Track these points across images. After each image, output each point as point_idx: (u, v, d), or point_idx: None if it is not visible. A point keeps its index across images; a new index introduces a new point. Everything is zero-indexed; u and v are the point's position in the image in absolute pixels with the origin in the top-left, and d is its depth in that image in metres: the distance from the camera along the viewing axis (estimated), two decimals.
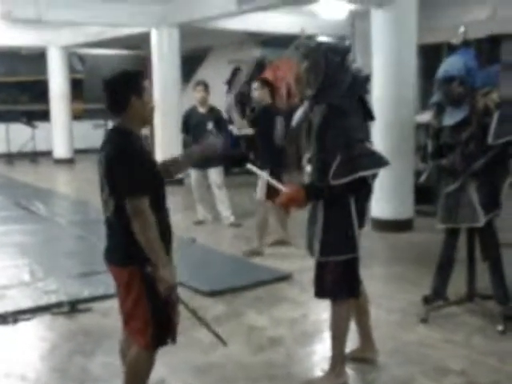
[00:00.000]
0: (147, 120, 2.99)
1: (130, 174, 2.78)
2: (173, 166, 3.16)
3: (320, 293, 3.52)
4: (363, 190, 3.36)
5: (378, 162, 3.32)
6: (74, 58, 16.46)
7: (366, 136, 3.36)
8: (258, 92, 6.59)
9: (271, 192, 5.42)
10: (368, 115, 3.44)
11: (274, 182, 3.60)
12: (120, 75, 2.94)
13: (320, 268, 3.45)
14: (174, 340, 3.06)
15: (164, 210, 2.99)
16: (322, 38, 3.48)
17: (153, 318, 2.92)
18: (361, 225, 3.44)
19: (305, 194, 3.32)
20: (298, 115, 3.61)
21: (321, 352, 4.05)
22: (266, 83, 6.75)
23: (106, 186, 2.87)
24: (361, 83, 3.38)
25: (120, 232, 2.88)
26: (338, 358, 3.54)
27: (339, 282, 3.42)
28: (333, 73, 3.27)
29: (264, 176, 3.56)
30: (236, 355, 3.98)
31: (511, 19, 9.62)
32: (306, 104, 3.55)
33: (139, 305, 2.91)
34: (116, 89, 2.90)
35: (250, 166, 3.76)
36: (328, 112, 3.29)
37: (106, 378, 3.72)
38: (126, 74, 2.96)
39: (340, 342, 3.51)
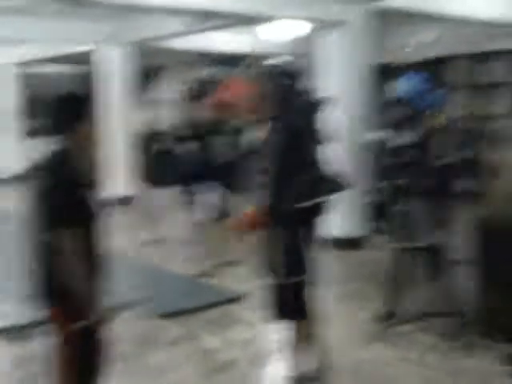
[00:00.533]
0: (91, 146, 2.83)
1: (58, 201, 2.64)
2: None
3: (283, 315, 3.50)
4: (316, 213, 3.36)
5: (336, 186, 3.34)
6: (24, 75, 16.16)
7: (322, 159, 3.38)
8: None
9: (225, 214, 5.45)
10: (324, 138, 3.44)
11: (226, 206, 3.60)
12: (65, 97, 2.83)
13: (282, 290, 3.42)
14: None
15: None
16: (274, 61, 3.47)
17: None
18: (310, 247, 3.47)
19: (261, 215, 3.31)
20: (250, 139, 3.61)
21: (274, 373, 4.01)
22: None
23: None
24: (314, 107, 3.39)
25: None
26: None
27: (298, 302, 3.45)
28: (285, 95, 3.28)
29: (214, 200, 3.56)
30: (190, 379, 3.92)
31: (456, 41, 9.90)
32: (265, 127, 3.51)
33: None
34: (61, 111, 2.80)
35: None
36: (282, 135, 3.28)
37: None
38: (74, 96, 2.85)
39: (301, 360, 3.54)
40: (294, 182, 3.21)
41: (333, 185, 3.33)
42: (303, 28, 9.70)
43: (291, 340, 3.53)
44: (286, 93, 3.30)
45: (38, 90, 15.66)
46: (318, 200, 3.25)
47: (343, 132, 7.13)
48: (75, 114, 2.75)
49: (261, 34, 10.36)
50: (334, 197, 3.33)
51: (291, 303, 3.45)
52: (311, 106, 3.38)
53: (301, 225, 3.33)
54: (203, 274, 6.30)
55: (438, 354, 4.21)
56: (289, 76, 3.33)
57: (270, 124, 3.44)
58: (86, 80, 15.03)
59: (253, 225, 3.36)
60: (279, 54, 3.65)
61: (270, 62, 3.48)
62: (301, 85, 3.40)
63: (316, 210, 3.32)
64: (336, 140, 3.57)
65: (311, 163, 3.28)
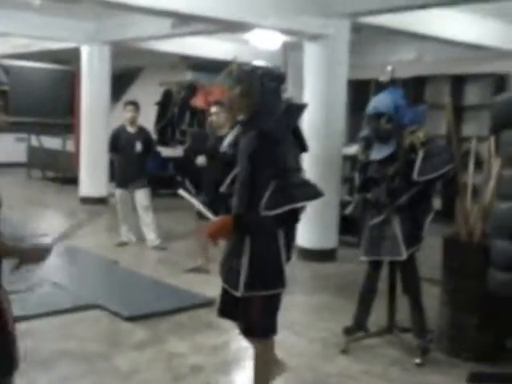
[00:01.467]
0: None
1: None
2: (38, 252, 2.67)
3: (247, 331, 3.32)
4: (293, 221, 3.22)
5: (312, 193, 3.22)
6: None
7: (298, 166, 3.23)
8: (216, 117, 6.31)
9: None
10: (301, 146, 3.34)
11: (205, 211, 3.41)
12: None
13: (245, 304, 3.22)
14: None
15: None
16: (258, 63, 3.38)
17: None
18: (288, 257, 3.26)
19: (232, 223, 3.14)
20: (227, 140, 3.49)
21: (242, 381, 4.02)
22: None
23: None
24: (295, 112, 3.30)
25: None
26: None
27: (264, 318, 3.24)
28: (267, 99, 3.16)
29: (195, 203, 3.36)
30: (156, 383, 3.89)
31: (436, 62, 10.06)
32: (236, 129, 3.41)
33: None
34: None
35: (181, 192, 3.54)
36: (259, 139, 3.14)
37: None
38: None
39: (265, 377, 3.42)
40: (271, 187, 3.08)
41: (311, 190, 3.22)
42: (284, 38, 9.79)
43: (262, 357, 3.37)
44: (270, 96, 3.17)
45: (19, 84, 15.52)
46: (296, 205, 3.12)
47: (320, 143, 7.19)
48: None
49: (244, 42, 10.41)
50: (311, 203, 3.22)
51: (269, 318, 3.25)
52: (293, 111, 3.28)
53: (280, 231, 3.17)
54: (197, 270, 6.42)
55: (402, 369, 4.24)
56: (273, 79, 3.20)
57: (241, 127, 3.31)
58: (68, 76, 14.99)
59: (223, 232, 3.19)
60: (254, 62, 3.54)
61: (256, 63, 3.38)
62: (283, 90, 3.29)
63: (294, 216, 3.19)
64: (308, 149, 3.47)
65: (290, 169, 3.14)
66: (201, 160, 6.51)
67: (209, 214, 3.38)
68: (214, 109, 6.40)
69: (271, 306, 3.25)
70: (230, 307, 3.35)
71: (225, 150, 3.48)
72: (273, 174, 3.10)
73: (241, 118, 3.29)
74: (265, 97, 3.16)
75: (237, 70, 3.33)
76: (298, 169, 3.22)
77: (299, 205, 3.14)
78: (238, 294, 3.18)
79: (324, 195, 3.26)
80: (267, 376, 3.44)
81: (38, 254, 2.65)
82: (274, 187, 3.08)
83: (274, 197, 3.07)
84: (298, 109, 3.35)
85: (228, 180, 3.47)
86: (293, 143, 3.24)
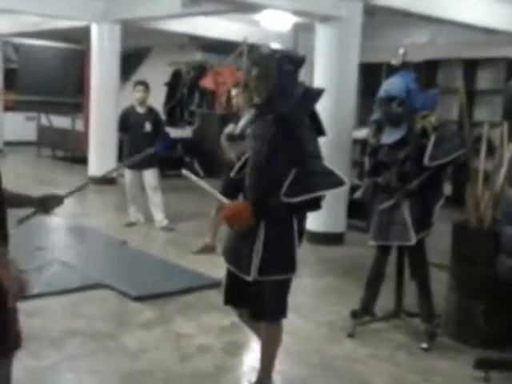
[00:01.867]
0: None
1: None
2: (51, 200, 2.82)
3: (257, 315, 3.30)
4: (314, 209, 3.17)
5: (334, 181, 3.14)
6: (9, 48, 15.91)
7: (318, 152, 3.15)
8: (236, 99, 6.13)
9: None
10: (319, 130, 3.27)
11: (213, 191, 3.33)
12: None
13: (258, 289, 3.21)
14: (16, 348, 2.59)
15: None
16: (275, 46, 3.35)
17: None
18: (299, 242, 3.26)
19: (252, 210, 3.09)
20: (242, 123, 3.47)
21: (248, 362, 4.03)
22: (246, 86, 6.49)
23: None
24: (313, 97, 3.23)
25: None
26: (267, 374, 3.45)
27: (277, 302, 3.25)
28: (285, 82, 3.11)
29: (201, 184, 3.32)
30: (164, 363, 3.92)
31: (449, 45, 9.96)
32: (251, 112, 3.38)
33: None
34: None
35: (185, 172, 3.42)
36: (278, 123, 3.10)
37: (28, 382, 3.58)
38: None
39: (271, 360, 3.43)
40: (292, 174, 3.03)
41: (333, 179, 3.15)
42: (295, 20, 9.71)
43: (271, 340, 3.38)
44: (288, 79, 3.12)
45: (28, 62, 15.50)
46: (317, 194, 3.07)
47: (330, 127, 7.14)
48: None
49: (255, 23, 10.33)
50: (330, 192, 3.15)
51: (280, 302, 3.26)
52: (310, 96, 3.21)
53: (293, 220, 3.15)
54: (205, 249, 6.46)
55: (409, 353, 4.25)
56: (291, 62, 3.14)
57: (257, 110, 3.27)
58: (78, 55, 14.95)
59: (243, 218, 3.11)
60: (270, 44, 3.52)
61: (273, 46, 3.34)
62: (300, 74, 3.23)
63: (315, 204, 3.14)
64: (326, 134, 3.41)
65: (310, 155, 3.08)
66: (230, 128, 6.31)
67: (218, 195, 3.29)
68: (234, 91, 6.36)
69: (282, 290, 3.26)
70: (236, 294, 3.34)
71: (239, 132, 3.45)
72: (293, 161, 3.06)
73: (256, 100, 3.25)
74: (282, 80, 3.11)
75: (255, 52, 3.27)
76: (318, 155, 3.15)
77: (320, 193, 3.10)
78: (250, 278, 3.17)
79: (346, 184, 3.19)
80: (274, 359, 3.45)
81: (50, 202, 2.80)
82: (295, 174, 3.03)
83: (294, 185, 3.03)
84: (315, 93, 3.28)
85: (238, 165, 3.45)
86: (310, 128, 3.19)
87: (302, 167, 3.05)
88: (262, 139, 3.17)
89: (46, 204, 2.81)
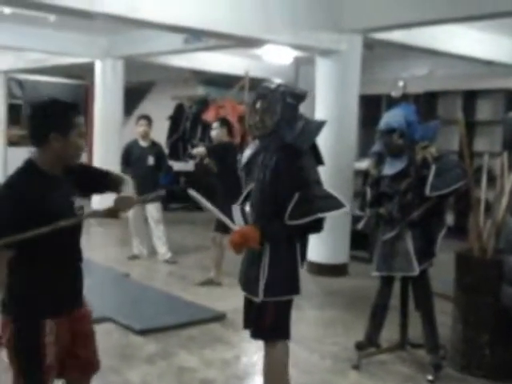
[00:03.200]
0: (68, 160, 2.63)
1: None
2: (122, 201, 2.84)
3: (257, 333, 3.42)
4: (317, 231, 3.33)
5: (335, 204, 3.29)
6: (13, 84, 16.10)
7: (319, 179, 3.33)
8: (216, 131, 6.56)
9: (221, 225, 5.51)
10: (317, 160, 3.44)
11: (222, 216, 3.42)
12: (44, 105, 2.59)
13: (260, 308, 3.34)
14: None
15: (53, 266, 2.61)
16: (280, 81, 3.49)
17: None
18: (302, 265, 3.41)
19: (260, 233, 3.25)
20: (246, 154, 3.57)
21: None
22: (225, 122, 6.74)
23: None
24: (315, 129, 3.39)
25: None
26: None
27: (278, 322, 3.36)
28: (288, 115, 3.30)
29: (209, 206, 3.40)
30: None
31: (448, 77, 10.06)
32: (255, 143, 3.53)
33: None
34: (36, 120, 2.58)
35: (192, 192, 3.47)
36: (282, 152, 3.28)
37: None
38: (52, 106, 2.58)
39: None
40: (295, 198, 3.18)
41: (334, 202, 3.29)
42: (296, 53, 9.84)
43: (275, 363, 3.43)
44: (291, 112, 3.31)
45: (32, 98, 15.63)
46: (320, 215, 3.21)
47: (332, 158, 7.19)
48: (51, 125, 2.54)
49: (256, 57, 10.46)
50: (333, 214, 3.30)
51: (281, 322, 3.36)
52: (311, 128, 3.37)
53: (299, 241, 3.31)
54: (208, 283, 6.50)
55: None
56: (294, 97, 3.33)
57: (260, 142, 3.43)
58: (81, 91, 15.11)
59: (252, 242, 3.26)
60: (272, 79, 3.64)
61: (278, 81, 3.48)
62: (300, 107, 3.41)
63: (317, 226, 3.29)
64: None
65: (313, 181, 3.25)
66: (198, 151, 6.92)
67: (227, 221, 3.40)
68: (215, 124, 6.62)
69: (284, 310, 3.38)
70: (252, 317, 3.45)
71: (245, 162, 3.57)
72: (296, 186, 3.21)
73: (258, 133, 3.39)
74: (286, 112, 3.30)
75: (260, 86, 3.44)
76: (319, 181, 3.32)
77: (323, 215, 3.24)
78: (258, 299, 3.31)
79: (346, 207, 3.32)
80: (282, 382, 3.44)
81: (121, 204, 2.82)
82: (298, 198, 3.19)
83: (298, 207, 3.19)
84: (317, 126, 3.43)
85: (243, 194, 3.57)
86: (312, 157, 3.37)
87: (304, 192, 3.20)
88: (267, 168, 3.34)
89: (118, 205, 2.79)
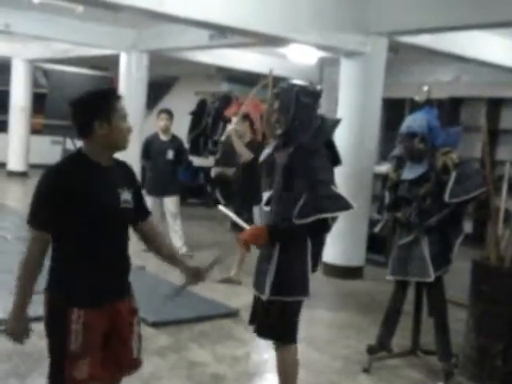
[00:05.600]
0: (118, 146, 2.66)
1: (35, 201, 2.58)
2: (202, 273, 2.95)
3: (262, 332, 3.42)
4: (324, 231, 3.35)
5: (342, 204, 3.29)
6: (39, 73, 16.27)
7: (332, 178, 3.34)
8: (236, 126, 6.51)
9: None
10: (335, 159, 3.44)
11: (241, 223, 3.54)
12: (83, 97, 2.65)
13: (267, 307, 3.35)
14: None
15: (99, 255, 2.61)
16: (295, 80, 3.51)
17: None
18: (314, 269, 3.40)
19: (267, 232, 3.28)
20: (265, 153, 3.60)
21: None
22: (246, 118, 6.73)
23: None
24: (330, 127, 3.41)
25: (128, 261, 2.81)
26: None
27: (284, 323, 3.35)
28: (303, 114, 3.30)
29: (235, 219, 3.55)
30: None
31: (473, 84, 9.98)
32: (272, 142, 3.55)
33: None
34: (77, 113, 2.63)
35: (221, 207, 3.71)
36: (296, 152, 3.30)
37: None
38: (90, 96, 2.66)
39: None
40: (304, 197, 3.21)
41: (341, 202, 3.30)
42: (320, 54, 9.81)
43: (284, 365, 3.45)
44: (305, 111, 3.32)
45: (57, 87, 15.78)
46: (325, 215, 3.23)
47: (352, 160, 7.17)
48: (92, 115, 2.59)
49: (281, 56, 10.45)
50: (341, 215, 3.33)
51: (287, 323, 3.37)
52: (327, 126, 3.39)
53: (309, 241, 3.32)
54: (229, 280, 6.49)
55: None
56: (308, 95, 3.34)
57: (277, 141, 3.45)
58: (105, 83, 15.21)
59: (259, 239, 3.32)
60: (297, 78, 3.67)
61: (293, 80, 3.50)
62: (319, 106, 3.42)
63: (324, 227, 3.31)
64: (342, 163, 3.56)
65: (323, 181, 3.26)
66: (214, 171, 6.83)
67: (239, 221, 3.52)
68: (235, 118, 6.57)
69: (291, 312, 3.37)
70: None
71: (262, 160, 3.61)
72: (306, 186, 3.23)
73: (278, 132, 3.41)
74: (300, 112, 3.31)
75: (276, 87, 3.47)
76: (331, 181, 3.32)
77: (328, 215, 3.25)
78: (264, 297, 3.33)
79: (353, 208, 3.33)
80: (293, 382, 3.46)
81: (200, 274, 2.93)
82: (306, 197, 3.21)
83: (305, 207, 3.21)
84: (332, 124, 3.46)
85: (266, 196, 3.61)
86: (326, 157, 3.36)
87: (311, 191, 3.22)
88: (281, 169, 3.37)
89: (199, 275, 2.93)
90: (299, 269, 3.31)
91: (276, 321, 3.33)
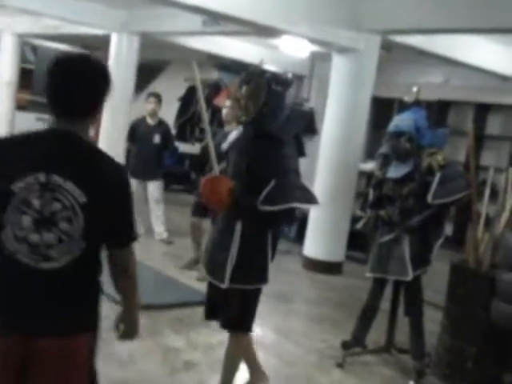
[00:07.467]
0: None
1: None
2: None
3: (226, 324, 3.36)
4: (290, 222, 3.31)
5: (310, 197, 3.26)
6: (27, 48, 16.07)
7: (298, 169, 3.28)
8: (227, 110, 6.28)
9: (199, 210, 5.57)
10: (299, 150, 3.37)
11: (213, 159, 3.36)
12: (101, 64, 2.20)
13: (227, 297, 3.28)
14: None
15: None
16: (265, 67, 3.42)
17: None
18: (272, 256, 3.34)
19: (232, 190, 3.17)
20: (230, 139, 3.50)
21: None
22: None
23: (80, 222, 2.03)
24: (299, 118, 3.35)
25: (80, 287, 2.14)
26: None
27: (242, 312, 3.31)
28: (273, 102, 3.22)
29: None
30: (151, 374, 3.92)
31: (462, 88, 10.02)
32: (238, 129, 3.44)
33: None
34: (100, 81, 2.17)
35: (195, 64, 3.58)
36: (263, 140, 3.20)
37: None
38: (103, 65, 2.23)
39: (234, 372, 3.47)
40: (271, 184, 3.12)
41: (310, 195, 3.26)
42: (313, 48, 9.80)
43: (236, 352, 3.45)
44: (275, 99, 3.23)
45: (45, 64, 15.60)
46: (296, 205, 3.18)
47: (338, 156, 7.19)
48: (107, 89, 2.22)
49: (273, 47, 10.43)
50: (305, 207, 3.30)
51: (247, 311, 3.31)
52: (297, 117, 3.33)
53: (268, 233, 3.25)
54: (190, 264, 6.44)
55: None
56: (280, 83, 3.25)
57: (244, 127, 3.35)
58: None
59: (221, 195, 3.20)
60: (286, 71, 3.60)
61: (264, 66, 3.42)
62: (289, 96, 3.35)
63: (290, 216, 3.27)
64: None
65: (291, 171, 3.21)
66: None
67: (215, 163, 3.37)
68: (228, 102, 6.33)
69: (250, 301, 3.32)
70: (216, 306, 3.39)
71: (228, 147, 3.48)
72: (274, 173, 3.16)
73: (243, 118, 3.32)
74: (270, 100, 3.22)
75: (246, 72, 3.37)
76: (298, 172, 3.27)
77: (294, 205, 3.19)
78: (224, 285, 3.24)
79: (319, 204, 3.31)
80: (234, 373, 3.47)
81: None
82: (275, 184, 3.13)
83: (272, 194, 3.12)
84: (302, 115, 3.40)
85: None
86: (294, 147, 3.31)
87: (280, 179, 3.14)
88: (245, 155, 3.27)
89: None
90: (260, 257, 3.25)
91: (236, 309, 3.29)
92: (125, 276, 2.24)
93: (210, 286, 3.40)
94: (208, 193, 3.30)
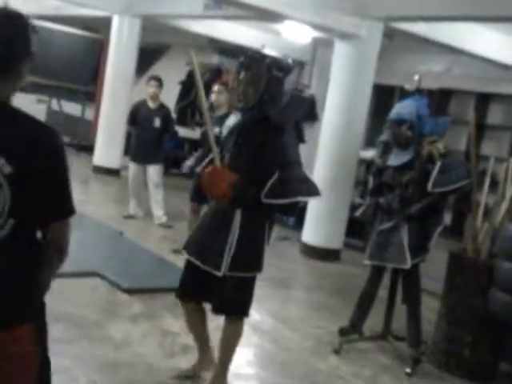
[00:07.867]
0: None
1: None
2: None
3: (219, 309, 3.36)
4: (293, 213, 3.31)
5: (313, 189, 3.24)
6: None
7: (299, 159, 3.24)
8: (216, 95, 6.17)
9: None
10: (299, 137, 3.33)
11: (215, 149, 3.30)
12: (22, 18, 1.94)
13: (223, 283, 3.26)
14: None
15: None
16: (267, 51, 3.35)
17: None
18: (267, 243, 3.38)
19: (233, 182, 3.13)
20: (227, 125, 3.46)
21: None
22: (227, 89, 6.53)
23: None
24: (299, 104, 3.31)
25: (24, 268, 1.89)
26: (223, 371, 3.49)
27: (240, 298, 3.32)
28: (273, 88, 3.16)
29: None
30: (146, 357, 3.91)
31: (464, 77, 9.99)
32: (237, 115, 3.39)
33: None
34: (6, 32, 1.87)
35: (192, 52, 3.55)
36: (264, 128, 3.16)
37: None
38: (26, 18, 1.97)
39: (230, 357, 3.48)
40: (274, 177, 3.09)
41: (312, 187, 3.24)
42: (314, 34, 9.75)
43: (234, 338, 3.45)
44: (276, 85, 3.18)
45: (46, 46, 15.50)
46: (300, 199, 3.17)
47: (338, 143, 7.17)
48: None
49: (275, 32, 10.37)
50: (308, 199, 3.30)
51: (245, 298, 3.34)
52: (297, 104, 3.30)
53: (266, 222, 3.25)
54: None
55: (392, 376, 4.25)
56: (280, 69, 3.20)
57: (243, 114, 3.30)
58: (95, 45, 14.99)
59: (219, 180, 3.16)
60: (288, 56, 3.51)
61: (264, 51, 3.34)
62: (289, 81, 3.31)
63: (293, 209, 3.26)
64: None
65: (293, 162, 3.18)
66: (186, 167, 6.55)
67: (216, 155, 3.32)
68: (216, 87, 6.23)
69: (247, 287, 3.33)
70: (196, 288, 3.39)
71: (226, 134, 3.43)
72: (276, 163, 3.12)
73: (241, 104, 3.27)
74: (271, 86, 3.17)
75: (245, 56, 3.29)
76: (299, 161, 3.24)
77: (297, 199, 3.17)
78: (220, 273, 3.22)
79: (321, 194, 3.29)
80: (232, 357, 3.48)
81: None
82: (277, 178, 3.10)
83: (275, 187, 3.10)
84: (302, 101, 3.37)
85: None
86: (294, 134, 3.27)
87: (284, 171, 3.11)
88: (245, 143, 3.23)
89: None
90: (258, 246, 3.27)
91: (233, 296, 3.29)
92: (57, 256, 2.05)
93: (191, 266, 3.35)
94: (208, 186, 3.25)
